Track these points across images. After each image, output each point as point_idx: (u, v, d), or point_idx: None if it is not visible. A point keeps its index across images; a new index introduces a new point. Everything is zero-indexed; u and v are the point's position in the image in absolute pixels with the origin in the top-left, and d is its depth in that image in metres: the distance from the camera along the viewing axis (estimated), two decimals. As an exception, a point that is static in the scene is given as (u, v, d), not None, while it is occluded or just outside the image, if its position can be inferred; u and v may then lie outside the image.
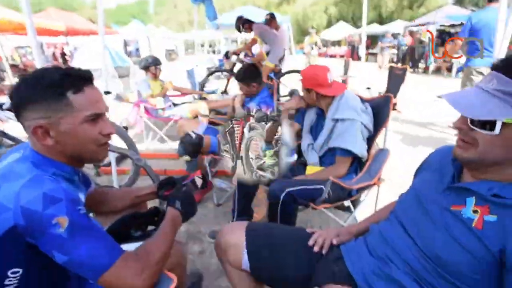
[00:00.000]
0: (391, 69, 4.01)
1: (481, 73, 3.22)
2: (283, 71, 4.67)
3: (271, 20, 4.15)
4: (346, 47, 19.99)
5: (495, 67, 0.67)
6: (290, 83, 4.97)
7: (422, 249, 0.75)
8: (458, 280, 0.68)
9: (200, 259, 1.80)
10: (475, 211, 0.69)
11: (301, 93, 1.82)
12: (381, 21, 21.77)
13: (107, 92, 2.07)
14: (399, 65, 4.68)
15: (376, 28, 18.34)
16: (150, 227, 1.12)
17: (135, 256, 0.76)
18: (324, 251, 0.98)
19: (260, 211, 2.10)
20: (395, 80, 3.80)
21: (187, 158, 2.09)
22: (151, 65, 3.50)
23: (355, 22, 24.49)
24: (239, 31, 4.22)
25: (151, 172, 1.74)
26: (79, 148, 0.79)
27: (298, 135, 2.03)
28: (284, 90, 4.99)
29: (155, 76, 3.56)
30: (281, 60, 4.27)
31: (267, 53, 3.93)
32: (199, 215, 2.24)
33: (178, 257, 1.10)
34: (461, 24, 12.54)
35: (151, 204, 1.23)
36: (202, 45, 13.37)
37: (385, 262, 0.81)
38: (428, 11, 17.75)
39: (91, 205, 1.08)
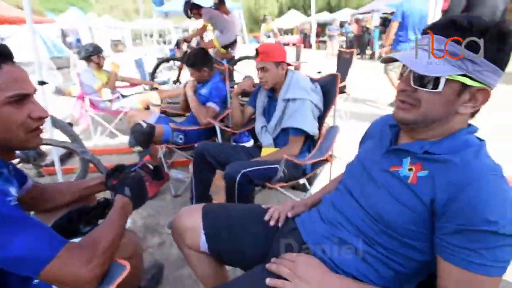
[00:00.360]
0: (339, 53, 4.18)
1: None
2: (236, 57, 4.63)
3: (219, 4, 4.07)
4: (298, 35, 20.40)
5: (433, 29, 0.71)
6: (244, 70, 4.96)
7: (367, 210, 0.80)
8: (399, 234, 0.74)
9: (160, 251, 1.75)
10: (410, 169, 0.75)
11: (256, 78, 1.80)
12: (331, 9, 22.54)
13: (42, 83, 1.87)
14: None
15: (325, 16, 18.94)
16: (101, 221, 1.06)
17: (80, 246, 0.71)
18: (280, 224, 1.01)
19: (219, 197, 2.10)
20: (343, 64, 3.97)
21: (139, 149, 1.99)
22: (93, 54, 3.18)
23: (306, 10, 25.04)
24: (188, 16, 4.07)
25: (100, 165, 1.63)
26: (4, 134, 0.71)
27: (252, 119, 2.05)
28: (238, 77, 4.97)
29: (99, 66, 3.26)
30: (233, 46, 4.23)
31: (218, 38, 3.87)
32: (157, 207, 2.20)
33: (133, 245, 1.06)
34: (392, 12, 13.62)
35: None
36: (151, 35, 12.71)
37: (336, 227, 0.86)
38: (373, -1, 18.82)
39: (31, 203, 0.99)
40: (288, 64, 1.77)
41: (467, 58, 0.66)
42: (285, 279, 0.78)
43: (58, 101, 3.88)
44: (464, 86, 0.68)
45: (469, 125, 0.76)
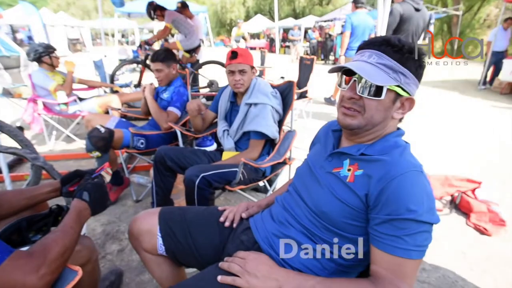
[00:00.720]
0: (301, 59, 4.35)
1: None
2: (200, 61, 4.63)
3: (183, 8, 4.06)
4: (265, 39, 20.75)
5: (372, 46, 0.82)
6: (209, 74, 4.98)
7: (312, 209, 0.88)
8: (340, 229, 0.83)
9: (120, 257, 1.72)
10: (349, 170, 0.85)
11: (222, 81, 1.84)
12: (296, 15, 23.18)
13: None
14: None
15: (290, 22, 19.45)
16: (54, 229, 1.04)
17: (28, 254, 0.71)
18: (234, 225, 1.07)
19: (180, 201, 2.11)
20: (305, 70, 4.15)
21: (97, 154, 1.94)
22: (43, 55, 2.96)
23: (272, 15, 25.53)
24: (151, 17, 4.01)
25: (53, 171, 1.57)
26: None
27: (213, 124, 2.09)
28: (202, 81, 4.98)
29: (53, 67, 3.08)
30: (197, 50, 4.24)
31: (181, 42, 3.85)
32: (117, 213, 2.15)
33: (88, 251, 1.05)
34: None
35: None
36: (113, 35, 12.21)
37: (284, 226, 0.93)
38: (335, 8, 19.74)
39: None
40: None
41: (400, 72, 0.79)
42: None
43: (6, 104, 3.60)
44: (397, 95, 0.81)
45: (398, 129, 0.89)
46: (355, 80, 0.81)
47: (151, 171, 1.96)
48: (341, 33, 4.59)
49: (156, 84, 2.35)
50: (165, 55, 2.23)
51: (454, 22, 15.39)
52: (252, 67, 1.77)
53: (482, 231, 1.99)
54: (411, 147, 0.84)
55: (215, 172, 1.51)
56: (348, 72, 0.84)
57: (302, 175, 1.00)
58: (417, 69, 0.81)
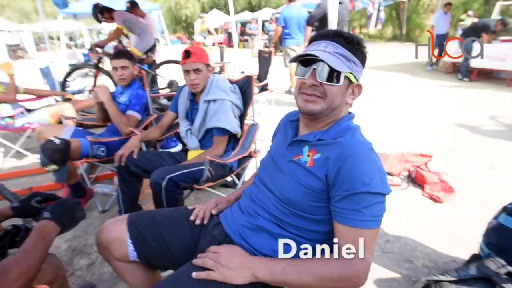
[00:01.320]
0: (259, 53, 4.40)
1: (293, 50, 4.82)
2: (157, 62, 4.50)
3: (132, 7, 3.90)
4: (222, 35, 20.52)
5: (326, 38, 0.87)
6: (168, 74, 4.85)
7: (278, 197, 0.93)
8: (306, 212, 0.88)
9: (90, 272, 1.66)
10: (308, 155, 0.91)
11: (182, 80, 1.78)
12: (252, 8, 23.13)
13: None
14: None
15: (247, 16, 19.40)
16: (13, 250, 0.98)
17: None
18: (205, 222, 1.08)
19: (149, 206, 2.06)
20: (264, 63, 4.20)
21: (53, 167, 1.84)
22: None
23: (228, 10, 25.27)
24: (98, 20, 3.80)
25: (5, 191, 1.46)
26: None
27: (173, 124, 2.06)
28: (162, 81, 4.84)
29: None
30: (152, 50, 4.11)
31: (136, 44, 3.71)
32: (83, 226, 2.06)
33: (54, 268, 1.01)
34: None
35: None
36: (58, 38, 11.38)
37: (253, 216, 0.97)
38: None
39: None
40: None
41: (352, 60, 0.86)
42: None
43: None
44: (349, 82, 0.88)
45: (349, 113, 0.96)
46: (314, 68, 0.86)
47: (115, 179, 1.90)
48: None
49: (111, 88, 2.25)
50: (130, 54, 2.19)
51: (401, 8, 16.30)
52: (208, 65, 1.76)
53: (436, 199, 2.19)
54: (366, 129, 0.92)
55: (181, 173, 1.50)
56: (305, 62, 0.88)
57: (266, 167, 1.04)
58: (363, 59, 0.90)
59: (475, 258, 1.25)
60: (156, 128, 2.02)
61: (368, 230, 0.78)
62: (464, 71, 6.65)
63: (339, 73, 0.84)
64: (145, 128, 2.20)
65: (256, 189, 1.03)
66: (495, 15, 7.97)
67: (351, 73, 0.86)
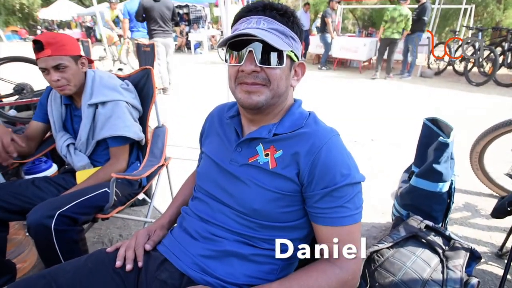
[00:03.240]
0: (138, 46, 3.88)
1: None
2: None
3: None
4: (79, 29, 17.59)
5: (255, 12, 0.70)
6: (12, 77, 3.70)
7: (238, 210, 0.74)
8: (279, 221, 0.73)
9: None
10: (266, 155, 0.75)
11: (39, 82, 1.28)
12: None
13: None
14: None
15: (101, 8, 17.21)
16: None
17: None
18: (140, 264, 0.78)
19: (29, 257, 1.49)
20: (146, 57, 3.74)
21: None
22: None
23: (81, 0, 21.77)
24: None
25: None
26: None
27: (46, 139, 1.53)
28: (4, 87, 3.66)
29: None
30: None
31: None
32: None
33: None
34: (186, 5, 14.56)
35: None
36: None
37: (213, 241, 0.75)
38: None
39: None
40: (90, 61, 1.41)
41: (291, 36, 0.72)
42: None
43: None
44: (291, 61, 0.74)
45: (294, 100, 0.83)
46: (250, 51, 0.69)
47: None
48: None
49: None
50: None
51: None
52: (77, 57, 1.30)
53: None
54: None
55: (76, 203, 1.09)
56: (236, 45, 0.70)
57: (209, 176, 0.83)
58: (301, 33, 0.77)
59: (398, 220, 1.40)
60: (22, 138, 1.39)
61: (355, 225, 0.70)
62: (323, 62, 7.85)
63: (280, 52, 0.69)
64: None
65: (203, 206, 0.81)
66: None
67: (291, 51, 0.72)
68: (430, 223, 1.28)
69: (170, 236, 0.83)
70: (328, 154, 0.69)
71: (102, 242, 1.72)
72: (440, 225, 1.43)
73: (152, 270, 0.76)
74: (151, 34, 4.72)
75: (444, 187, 1.36)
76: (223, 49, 0.75)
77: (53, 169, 1.80)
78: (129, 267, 0.76)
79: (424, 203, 1.40)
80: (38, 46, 1.20)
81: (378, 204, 2.06)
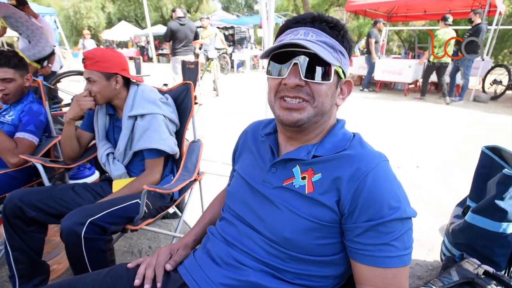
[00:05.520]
0: (183, 63, 4.09)
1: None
2: (58, 73, 3.73)
3: (20, 5, 3.14)
4: (134, 48, 19.21)
5: (304, 24, 0.67)
6: (70, 88, 4.08)
7: (268, 237, 0.67)
8: (311, 254, 0.65)
9: None
10: (303, 178, 0.68)
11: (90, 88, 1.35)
12: (164, 22, 22.38)
13: None
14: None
15: (161, 29, 18.63)
16: None
17: None
18: (158, 285, 0.74)
19: (63, 259, 1.54)
20: (189, 74, 3.91)
21: None
22: None
23: (139, 22, 23.90)
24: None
25: None
26: None
27: (90, 148, 1.61)
28: (65, 97, 4.05)
29: None
30: (50, 59, 3.37)
31: (24, 51, 2.96)
32: None
33: None
34: (232, 27, 15.28)
35: None
36: None
37: (236, 268, 0.69)
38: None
39: None
40: (133, 79, 1.48)
41: (340, 50, 0.66)
42: None
43: None
44: (339, 78, 0.68)
45: (337, 120, 0.77)
46: (295, 63, 0.64)
47: (2, 230, 1.33)
48: None
49: None
50: (18, 60, 1.60)
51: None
52: (110, 75, 1.35)
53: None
54: None
55: (108, 212, 1.11)
56: (280, 57, 0.66)
57: (240, 195, 0.77)
58: (350, 49, 0.71)
59: (450, 261, 1.22)
60: (78, 145, 1.54)
61: (403, 268, 0.60)
62: (365, 84, 7.60)
63: (327, 67, 0.64)
64: (46, 154, 1.67)
65: (230, 228, 0.76)
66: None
67: (339, 66, 0.66)
68: (491, 269, 1.09)
69: (192, 257, 0.78)
70: (375, 182, 0.61)
71: (132, 252, 1.74)
72: (503, 272, 1.22)
73: None
74: (174, 52, 5.27)
75: (509, 227, 1.17)
76: (255, 59, 0.72)
77: (96, 175, 1.88)
78: (147, 287, 0.72)
79: (482, 244, 1.21)
80: (83, 59, 1.33)
81: (424, 239, 1.84)
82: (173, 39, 5.18)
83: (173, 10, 5.38)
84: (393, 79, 7.39)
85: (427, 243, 1.81)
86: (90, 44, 8.97)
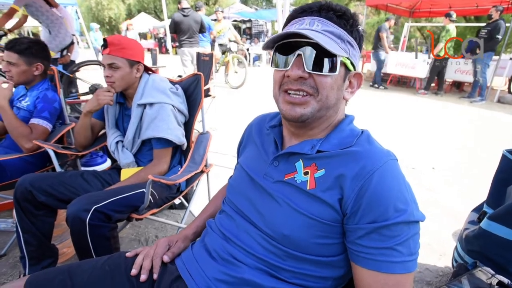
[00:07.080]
0: (198, 55, 4.09)
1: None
2: (77, 62, 3.81)
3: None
4: (152, 40, 19.46)
5: (310, 13, 0.64)
6: (91, 77, 4.17)
7: (266, 232, 0.65)
8: (310, 253, 0.62)
9: None
10: (306, 173, 0.65)
11: (110, 75, 1.34)
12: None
13: None
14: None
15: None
16: None
17: None
18: (155, 276, 0.74)
19: (69, 245, 1.58)
20: (204, 66, 3.91)
21: None
22: None
23: (158, 14, 24.11)
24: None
25: None
26: None
27: (100, 136, 1.63)
28: (82, 85, 4.14)
29: None
30: (69, 48, 3.45)
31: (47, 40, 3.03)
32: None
33: None
34: (249, 20, 15.17)
35: None
36: None
37: (232, 264, 0.67)
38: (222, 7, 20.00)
39: None
40: (148, 69, 1.47)
41: (348, 41, 0.63)
42: None
43: None
44: (346, 70, 0.65)
45: (345, 115, 0.73)
46: (299, 54, 0.61)
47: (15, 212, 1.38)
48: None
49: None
50: (27, 47, 1.62)
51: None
52: (134, 62, 1.37)
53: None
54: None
55: (113, 200, 1.11)
56: (284, 48, 0.64)
57: (241, 189, 0.76)
58: (360, 39, 0.67)
59: (462, 268, 1.16)
60: (91, 134, 1.57)
61: (407, 275, 0.56)
62: (378, 81, 7.39)
63: (334, 58, 0.60)
64: (59, 141, 1.70)
65: (229, 221, 0.74)
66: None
67: (347, 57, 0.63)
68: (506, 280, 1.03)
69: (189, 250, 0.77)
70: (381, 181, 0.57)
71: (139, 240, 1.76)
72: (518, 284, 1.15)
73: (165, 285, 0.71)
74: (180, 44, 5.28)
75: (528, 237, 1.10)
76: (270, 53, 0.69)
77: (108, 163, 1.91)
78: (143, 277, 0.72)
79: (498, 253, 1.14)
80: (104, 44, 1.33)
81: (435, 244, 1.78)
82: (177, 31, 5.16)
83: (179, 2, 5.31)
84: (406, 73, 7.17)
85: (439, 248, 1.74)
86: (132, 36, 8.93)
